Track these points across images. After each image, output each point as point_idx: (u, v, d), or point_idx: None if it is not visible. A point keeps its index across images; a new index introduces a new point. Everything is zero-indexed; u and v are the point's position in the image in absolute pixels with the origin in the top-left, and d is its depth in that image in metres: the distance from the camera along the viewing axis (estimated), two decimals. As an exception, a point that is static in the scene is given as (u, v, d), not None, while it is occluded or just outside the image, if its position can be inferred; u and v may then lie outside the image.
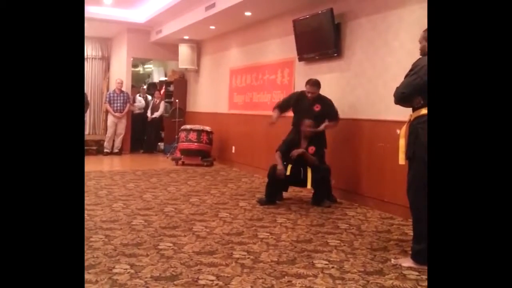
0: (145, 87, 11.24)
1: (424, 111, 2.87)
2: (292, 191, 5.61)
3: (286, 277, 2.72)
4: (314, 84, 5.03)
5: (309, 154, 4.78)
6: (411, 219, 3.08)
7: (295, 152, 4.75)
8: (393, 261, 3.07)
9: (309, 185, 4.80)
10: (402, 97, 3.00)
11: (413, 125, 2.95)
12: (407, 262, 3.00)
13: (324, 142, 5.06)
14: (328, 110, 5.01)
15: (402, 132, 3.10)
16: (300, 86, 6.04)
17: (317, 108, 5.01)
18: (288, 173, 4.77)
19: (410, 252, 3.05)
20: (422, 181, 2.85)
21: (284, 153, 4.86)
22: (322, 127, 4.93)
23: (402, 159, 3.06)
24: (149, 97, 10.29)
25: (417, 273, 2.85)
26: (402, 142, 3.07)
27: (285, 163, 4.82)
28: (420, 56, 3.02)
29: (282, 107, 5.29)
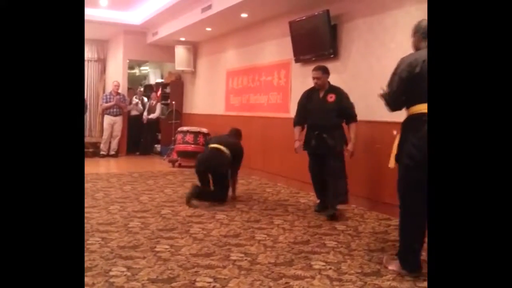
0: (142, 89, 11.21)
1: (407, 112, 2.87)
2: (289, 193, 5.61)
3: (283, 278, 2.72)
4: (319, 68, 4.37)
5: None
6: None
7: None
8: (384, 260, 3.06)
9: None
10: (393, 98, 2.91)
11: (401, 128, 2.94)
12: (393, 265, 2.94)
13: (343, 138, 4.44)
14: (345, 103, 4.34)
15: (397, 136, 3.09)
16: (296, 87, 6.05)
17: (331, 98, 4.34)
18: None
19: (396, 257, 2.97)
20: (403, 183, 2.84)
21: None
22: (350, 155, 4.36)
23: (392, 163, 3.02)
24: (145, 99, 10.28)
25: (414, 275, 2.84)
26: (394, 145, 3.06)
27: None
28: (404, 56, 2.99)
29: (299, 117, 4.59)
